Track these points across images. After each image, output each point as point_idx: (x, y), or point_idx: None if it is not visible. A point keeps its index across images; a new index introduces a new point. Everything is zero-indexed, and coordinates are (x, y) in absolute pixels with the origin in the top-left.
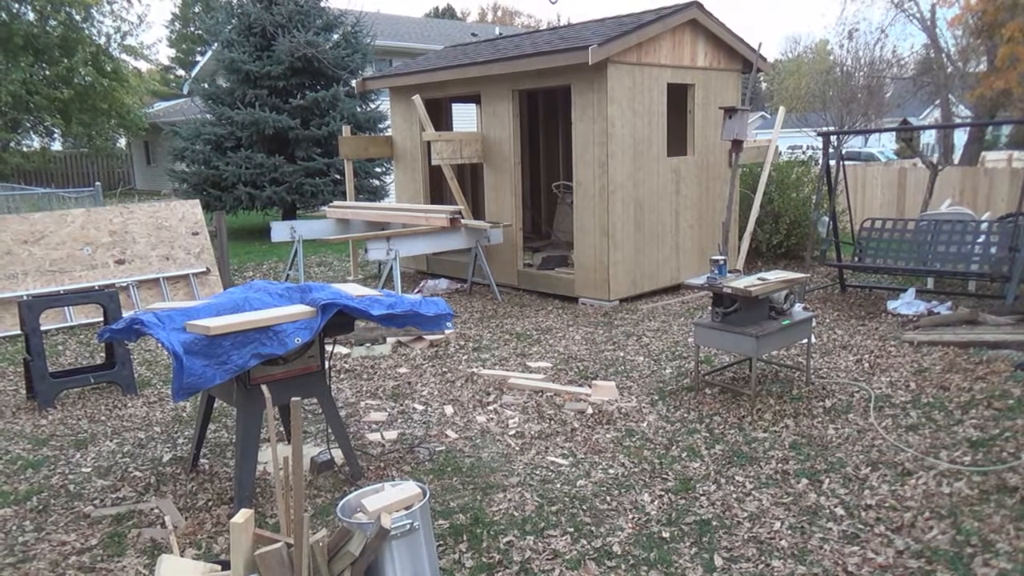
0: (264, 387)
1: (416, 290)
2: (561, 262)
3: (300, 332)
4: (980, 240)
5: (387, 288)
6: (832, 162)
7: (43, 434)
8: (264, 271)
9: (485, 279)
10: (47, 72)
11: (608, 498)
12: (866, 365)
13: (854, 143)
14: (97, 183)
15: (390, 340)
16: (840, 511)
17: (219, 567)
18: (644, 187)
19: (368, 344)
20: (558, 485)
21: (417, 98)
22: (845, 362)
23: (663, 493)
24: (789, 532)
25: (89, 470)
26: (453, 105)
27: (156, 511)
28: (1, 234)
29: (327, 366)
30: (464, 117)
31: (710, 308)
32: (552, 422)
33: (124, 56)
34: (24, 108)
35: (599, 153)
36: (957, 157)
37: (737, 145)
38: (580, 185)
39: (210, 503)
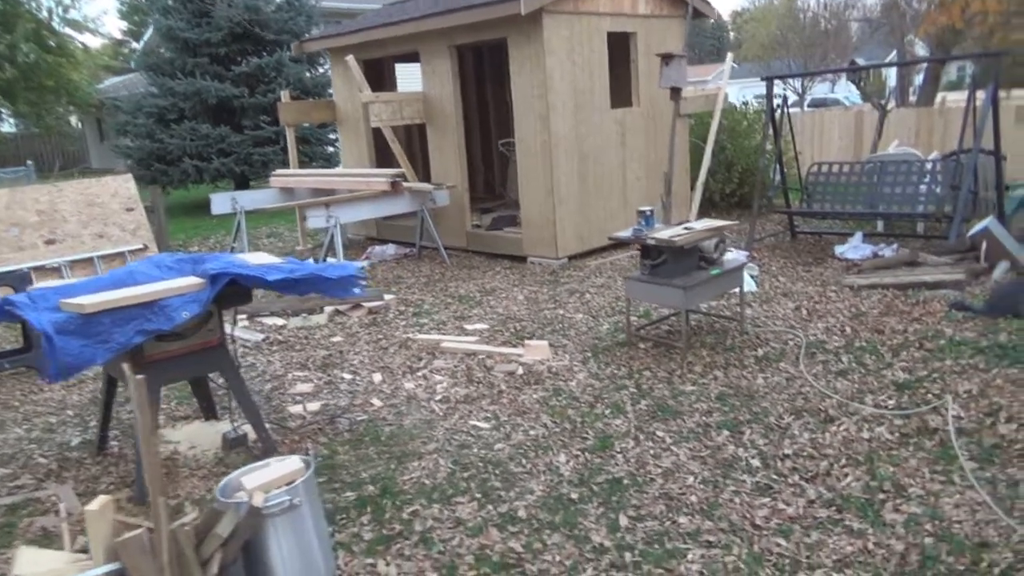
0: (126, 366)
1: (363, 256)
2: (511, 221)
3: (188, 306)
4: (926, 180)
5: (330, 257)
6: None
7: None
8: (210, 245)
9: (433, 243)
10: None
11: (524, 461)
12: (804, 312)
13: (820, 89)
14: (29, 162)
15: (328, 310)
16: (756, 462)
17: (84, 555)
18: (588, 140)
19: (304, 315)
20: (475, 450)
21: (351, 58)
22: (784, 310)
23: (580, 452)
24: (701, 487)
25: None
26: (400, 66)
27: (54, 498)
28: None
29: (229, 339)
30: (413, 78)
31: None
32: (480, 385)
33: (68, 31)
34: None
35: (539, 107)
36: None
37: (675, 93)
38: (522, 141)
39: (112, 487)
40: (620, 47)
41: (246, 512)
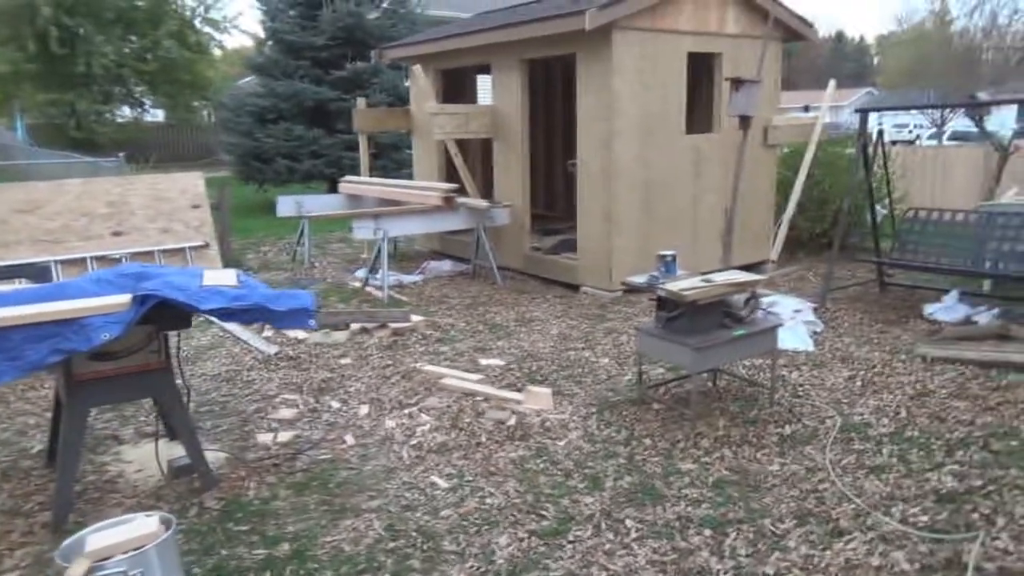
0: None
1: (418, 270)
2: (573, 247)
3: (109, 326)
4: None
5: (375, 269)
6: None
7: None
8: (280, 247)
9: (488, 263)
10: (134, 45)
11: (461, 537)
12: (859, 383)
13: (964, 122)
14: (120, 154)
15: (354, 327)
16: None
17: None
18: (655, 167)
19: (326, 330)
20: (418, 514)
21: (417, 68)
22: (836, 378)
23: (527, 536)
24: None
25: None
26: (483, 78)
27: None
28: None
29: (172, 362)
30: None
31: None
32: (462, 433)
33: (207, 29)
34: (115, 79)
35: (602, 129)
36: None
37: (744, 122)
38: (583, 164)
39: (37, 508)
40: (703, 68)
41: None
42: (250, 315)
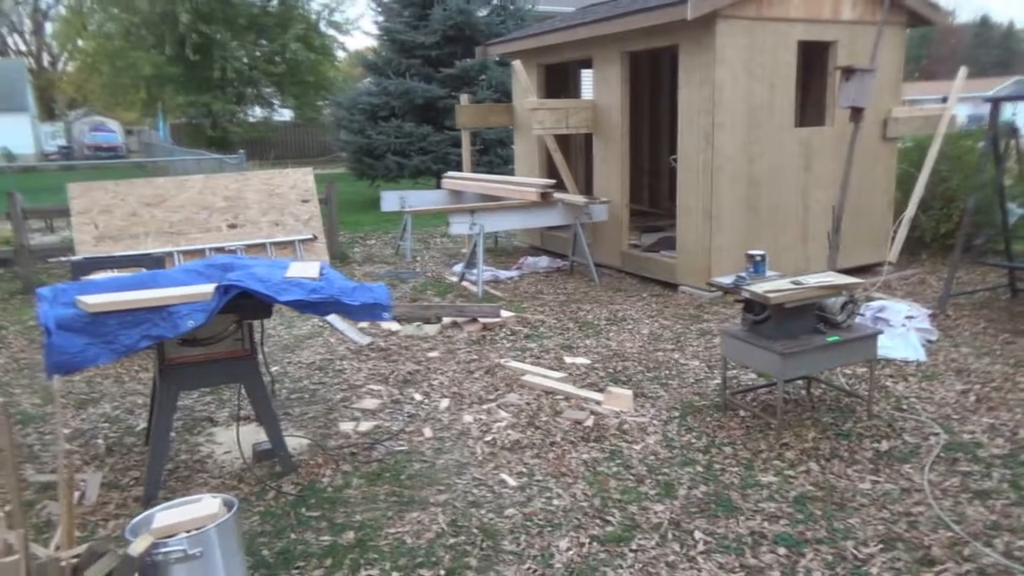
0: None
1: (515, 265)
2: (673, 244)
3: (194, 314)
4: None
5: (472, 264)
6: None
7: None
8: (386, 241)
9: (585, 259)
10: (264, 48)
11: (522, 538)
12: (972, 399)
13: None
14: (241, 151)
15: (445, 320)
16: None
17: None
18: (761, 161)
19: (419, 323)
20: (484, 511)
21: (517, 63)
22: (946, 392)
23: (588, 541)
24: None
25: (69, 431)
26: (588, 72)
27: (83, 484)
28: (128, 197)
29: (258, 350)
30: None
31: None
32: (538, 431)
33: (331, 31)
34: (247, 81)
35: (704, 122)
36: None
37: (856, 114)
38: (684, 158)
39: (133, 483)
40: (816, 57)
41: (121, 560)
42: (326, 307)
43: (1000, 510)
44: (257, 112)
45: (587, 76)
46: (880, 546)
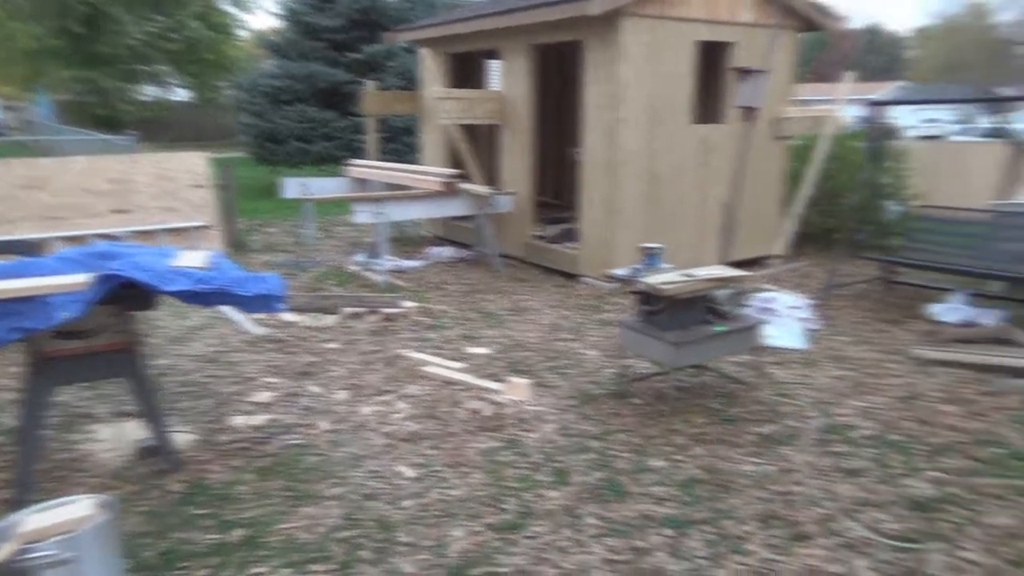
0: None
1: (419, 256)
2: (575, 236)
3: (69, 305)
4: None
5: (375, 254)
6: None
7: None
8: (286, 229)
9: (491, 249)
10: (160, 24)
11: (418, 528)
12: (848, 384)
13: (997, 119)
14: (133, 132)
15: (345, 311)
16: None
17: None
18: (662, 158)
19: (317, 314)
20: (379, 503)
21: (424, 51)
22: (825, 378)
23: (483, 529)
24: None
25: None
26: (497, 64)
27: None
28: (3, 178)
29: (140, 342)
30: None
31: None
32: (436, 422)
33: (232, 9)
34: (139, 58)
35: (608, 118)
36: None
37: (749, 113)
38: (588, 152)
39: (3, 484)
40: (715, 57)
41: None
42: (216, 298)
43: (868, 488)
44: (151, 91)
45: (496, 67)
46: (759, 524)
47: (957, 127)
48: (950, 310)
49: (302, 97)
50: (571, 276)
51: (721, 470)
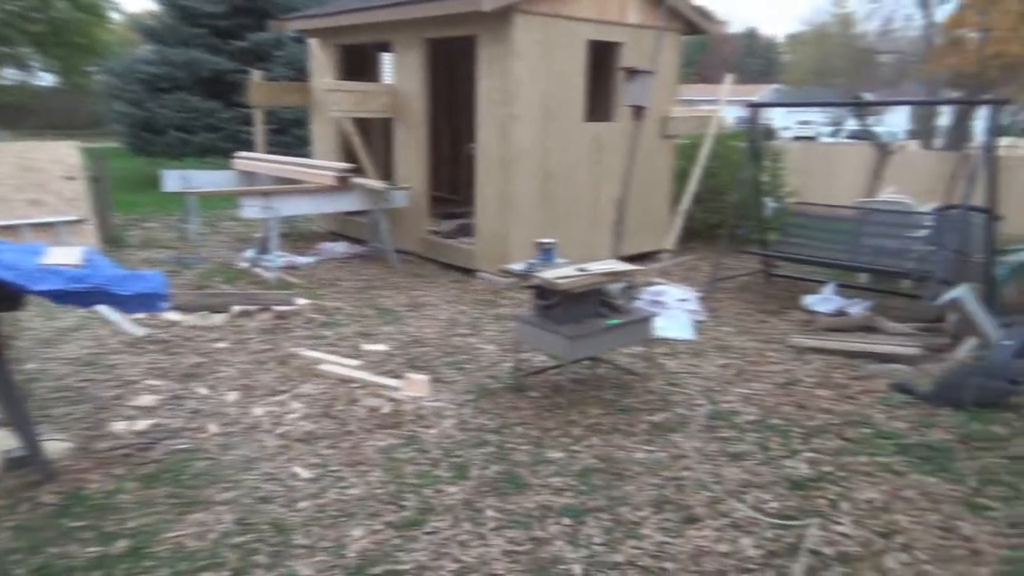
0: None
1: (312, 252)
2: (471, 231)
3: None
4: (918, 234)
5: (265, 250)
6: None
7: None
8: (168, 224)
9: (386, 245)
10: (21, 3)
11: (315, 530)
12: (732, 372)
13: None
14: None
15: (235, 309)
16: (577, 570)
17: None
18: (555, 155)
19: (205, 312)
20: (274, 506)
21: (313, 41)
22: (711, 367)
23: (383, 527)
24: None
25: None
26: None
27: None
28: None
29: (7, 345)
30: None
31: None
32: (333, 421)
33: None
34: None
35: (501, 114)
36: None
37: (638, 112)
38: (482, 148)
39: None
40: (605, 57)
41: None
42: (91, 297)
43: (751, 470)
44: (11, 74)
45: (390, 60)
46: (652, 509)
47: (829, 129)
48: (823, 301)
49: (183, 85)
50: (468, 271)
51: (616, 459)
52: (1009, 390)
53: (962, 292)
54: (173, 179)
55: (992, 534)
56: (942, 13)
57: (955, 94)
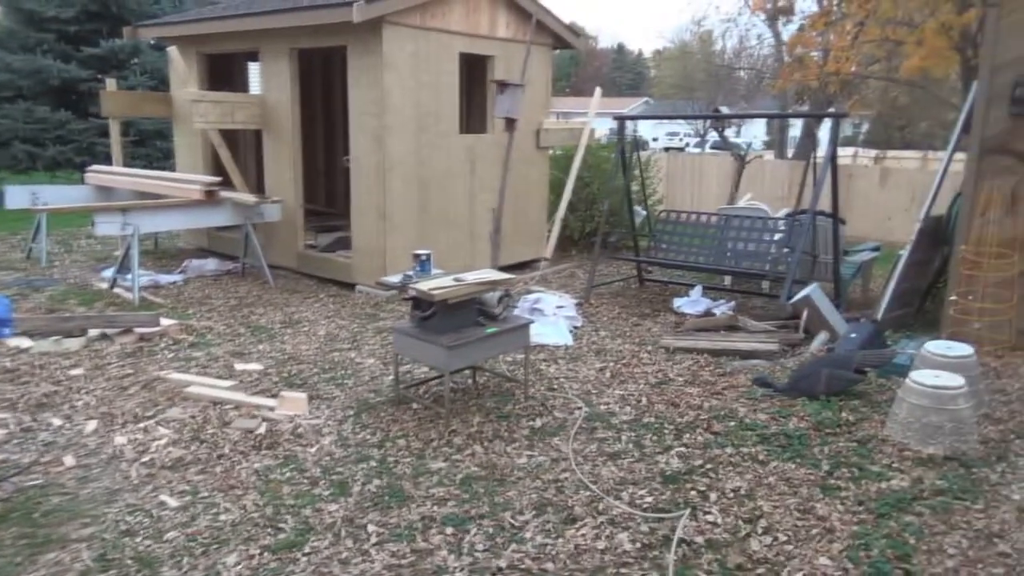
0: None
1: (179, 270)
2: (349, 244)
3: None
4: (773, 238)
5: (125, 269)
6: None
7: None
8: (14, 243)
9: (259, 261)
10: None
11: (185, 560)
12: (608, 375)
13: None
14: None
15: (93, 332)
16: None
17: None
18: (430, 166)
19: (57, 338)
20: (139, 539)
21: (173, 50)
22: (589, 371)
23: (259, 552)
24: None
25: None
26: (256, 66)
27: None
28: None
29: None
30: None
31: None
32: (204, 445)
33: None
34: None
35: (374, 125)
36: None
37: (510, 124)
38: (356, 160)
39: None
40: (477, 70)
41: None
42: None
43: (627, 467)
44: None
45: (256, 69)
46: (534, 513)
47: (695, 140)
48: (691, 303)
49: (28, 94)
50: (347, 285)
51: (498, 465)
52: (856, 379)
53: (812, 290)
54: (18, 195)
55: (843, 512)
56: (788, 32)
57: (803, 108)
